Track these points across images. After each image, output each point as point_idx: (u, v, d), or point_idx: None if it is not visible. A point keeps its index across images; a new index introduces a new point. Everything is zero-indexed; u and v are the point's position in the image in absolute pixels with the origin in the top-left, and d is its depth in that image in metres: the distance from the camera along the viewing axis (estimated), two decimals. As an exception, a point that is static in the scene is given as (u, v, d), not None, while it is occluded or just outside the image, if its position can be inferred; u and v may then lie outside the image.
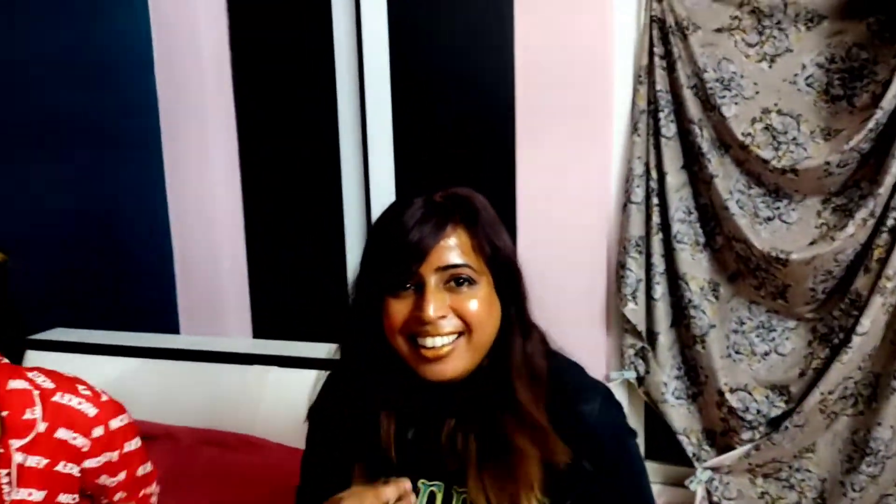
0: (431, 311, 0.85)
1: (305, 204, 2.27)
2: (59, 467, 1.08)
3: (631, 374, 1.96)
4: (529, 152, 1.93)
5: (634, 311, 1.92)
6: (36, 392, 1.08)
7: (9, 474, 1.04)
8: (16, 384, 1.07)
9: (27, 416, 1.06)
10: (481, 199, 0.92)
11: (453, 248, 0.87)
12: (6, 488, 1.05)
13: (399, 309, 0.88)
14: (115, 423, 1.14)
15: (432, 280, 0.86)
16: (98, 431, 1.11)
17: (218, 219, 2.28)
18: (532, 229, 1.98)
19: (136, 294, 2.23)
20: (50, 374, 1.13)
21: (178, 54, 2.10)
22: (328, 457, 1.03)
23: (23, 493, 1.07)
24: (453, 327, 0.87)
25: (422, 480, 0.94)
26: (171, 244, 2.32)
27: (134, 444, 1.18)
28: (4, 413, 1.04)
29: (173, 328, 2.36)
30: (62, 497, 1.11)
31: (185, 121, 2.19)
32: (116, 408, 1.17)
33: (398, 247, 0.87)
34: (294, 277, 2.37)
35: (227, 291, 2.36)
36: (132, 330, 1.86)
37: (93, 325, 1.84)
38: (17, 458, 1.05)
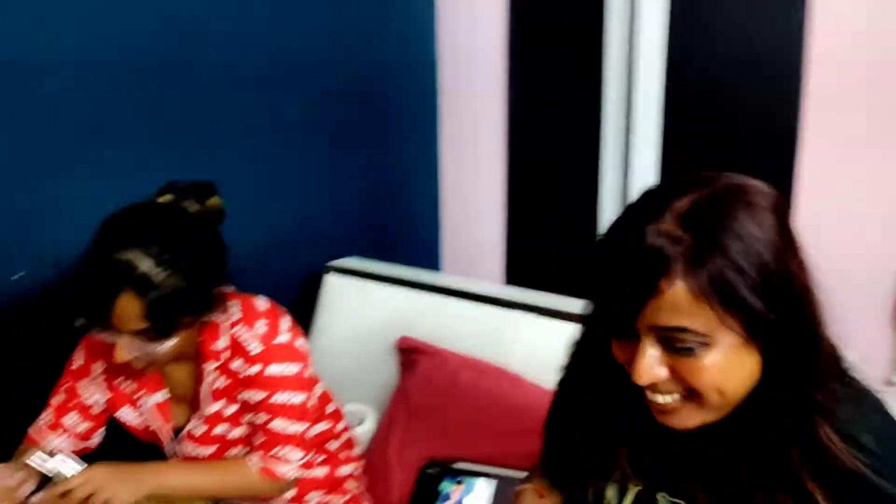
0: (640, 378, 0.71)
1: (565, 171, 2.36)
2: (236, 392, 1.20)
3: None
4: (818, 149, 1.82)
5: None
6: (226, 324, 1.17)
7: (204, 390, 1.19)
8: (213, 317, 1.15)
9: (216, 346, 1.17)
10: (743, 216, 0.67)
11: (669, 305, 0.66)
12: (204, 402, 1.21)
13: (620, 354, 0.75)
14: (275, 369, 1.16)
15: (647, 339, 0.70)
16: (255, 369, 1.16)
17: (482, 171, 2.47)
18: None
19: (409, 234, 2.51)
20: (246, 306, 1.19)
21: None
22: (568, 427, 0.94)
23: (214, 407, 1.21)
24: (675, 390, 0.72)
25: (662, 494, 0.83)
26: (440, 193, 2.57)
27: (287, 396, 1.17)
28: (201, 339, 1.17)
29: (436, 266, 2.64)
30: (242, 417, 1.22)
31: (463, 82, 2.37)
32: (287, 354, 1.18)
33: (614, 288, 0.71)
34: (548, 233, 2.48)
35: (485, 240, 2.56)
36: (404, 264, 2.10)
37: (377, 257, 2.12)
38: (209, 378, 1.20)
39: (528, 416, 1.40)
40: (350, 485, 1.41)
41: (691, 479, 0.80)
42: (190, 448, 1.24)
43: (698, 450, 0.78)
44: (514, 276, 2.55)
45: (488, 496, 1.39)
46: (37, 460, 1.07)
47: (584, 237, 2.30)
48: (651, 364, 0.70)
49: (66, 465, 1.08)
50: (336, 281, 1.97)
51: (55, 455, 1.08)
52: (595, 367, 0.82)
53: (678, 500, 0.81)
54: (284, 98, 1.90)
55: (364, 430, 1.64)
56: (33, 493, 1.05)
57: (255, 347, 1.16)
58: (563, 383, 0.96)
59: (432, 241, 2.62)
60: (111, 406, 1.25)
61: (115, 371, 1.22)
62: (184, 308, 1.05)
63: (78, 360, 1.24)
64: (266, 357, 1.16)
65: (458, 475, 1.44)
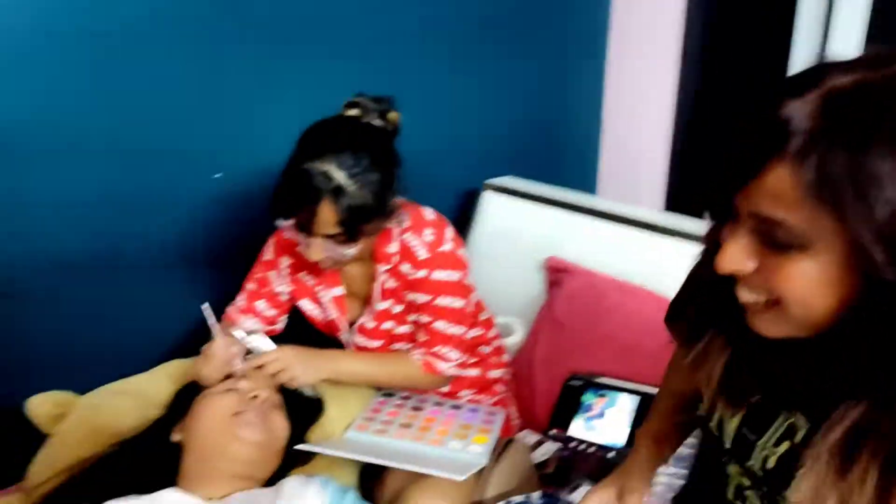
0: (721, 263, 0.64)
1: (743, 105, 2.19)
2: (404, 292, 1.30)
3: None
4: None
5: None
6: (396, 230, 1.27)
7: (375, 288, 1.30)
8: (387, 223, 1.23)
9: (387, 249, 1.27)
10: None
11: (772, 191, 0.57)
12: (375, 300, 1.32)
13: (724, 236, 0.66)
14: (439, 275, 1.26)
15: (744, 225, 0.62)
16: (420, 274, 1.26)
17: (649, 95, 2.37)
18: None
19: (567, 155, 2.49)
20: (414, 214, 1.27)
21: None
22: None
23: (383, 305, 1.32)
24: (760, 291, 0.64)
25: (782, 409, 0.76)
26: (602, 114, 2.50)
27: (448, 301, 1.26)
28: (375, 244, 1.26)
29: (591, 189, 2.60)
30: (407, 316, 1.33)
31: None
32: (450, 262, 1.26)
33: (726, 159, 0.64)
34: (712, 160, 2.34)
35: (646, 165, 2.47)
36: (560, 185, 2.10)
37: (532, 177, 2.14)
38: (381, 278, 1.31)
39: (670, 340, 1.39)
40: (498, 388, 1.51)
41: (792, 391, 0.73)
42: (360, 340, 1.37)
43: (794, 363, 0.69)
44: (676, 203, 2.47)
45: (630, 410, 1.43)
46: (238, 335, 1.25)
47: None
48: (738, 252, 0.62)
49: (261, 343, 1.25)
50: (492, 198, 2.02)
51: (252, 334, 1.25)
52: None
53: (799, 415, 0.74)
54: (458, 13, 1.92)
55: (513, 342, 1.71)
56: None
57: (422, 254, 1.25)
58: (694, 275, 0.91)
59: (590, 163, 2.58)
60: (294, 296, 1.40)
61: (299, 266, 1.36)
62: (370, 217, 1.15)
63: (268, 254, 1.39)
64: (431, 263, 1.25)
65: (600, 388, 1.48)
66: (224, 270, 1.59)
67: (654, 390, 1.41)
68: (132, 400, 1.21)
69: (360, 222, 1.14)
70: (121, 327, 1.47)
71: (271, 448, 1.10)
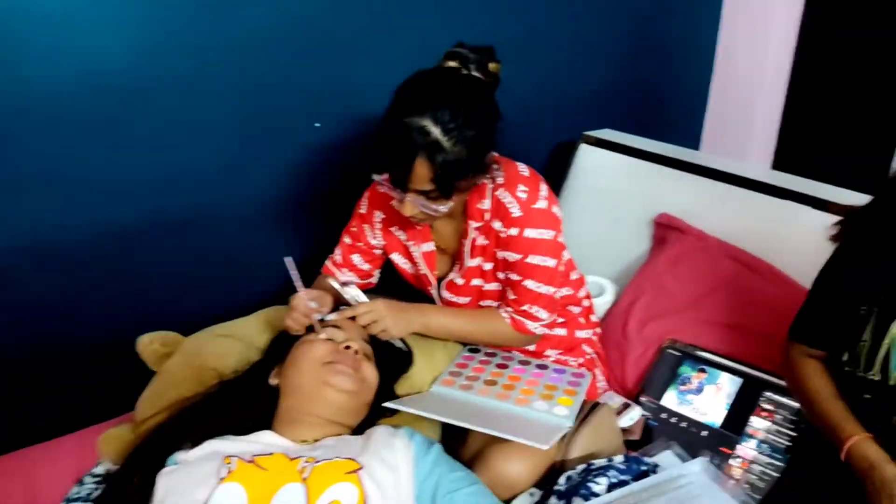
0: None
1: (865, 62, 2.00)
2: (495, 250, 1.26)
3: None
4: None
5: None
6: (490, 186, 1.22)
7: (466, 245, 1.26)
8: (481, 179, 1.20)
9: (480, 205, 1.23)
10: None
11: None
12: (466, 255, 1.29)
13: None
14: (531, 233, 1.20)
15: None
16: (513, 232, 1.21)
17: (767, 44, 2.19)
18: None
19: (670, 109, 2.35)
20: (508, 170, 1.22)
21: None
22: (840, 279, 1.04)
23: (473, 262, 1.29)
24: None
25: None
26: (712, 71, 2.34)
27: (540, 259, 1.22)
28: (467, 199, 1.22)
29: (694, 144, 2.46)
30: (498, 274, 1.29)
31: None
32: (544, 220, 1.21)
33: None
34: (831, 120, 2.17)
35: (755, 122, 2.31)
36: (660, 139, 1.98)
37: (631, 130, 2.03)
38: (472, 235, 1.26)
39: (788, 322, 1.30)
40: (586, 349, 1.47)
41: None
42: (448, 296, 1.36)
43: None
44: (784, 163, 2.31)
45: (731, 392, 1.35)
46: (336, 285, 1.26)
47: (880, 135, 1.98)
48: None
49: (356, 295, 1.26)
50: (588, 151, 1.93)
51: (347, 286, 1.27)
52: None
53: None
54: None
55: (603, 302, 1.66)
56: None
57: (515, 211, 1.21)
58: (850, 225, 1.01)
59: (695, 118, 2.43)
60: (386, 250, 1.40)
61: (392, 221, 1.36)
62: (464, 173, 1.12)
63: (362, 207, 1.39)
64: (524, 221, 1.21)
65: (701, 362, 1.42)
66: (321, 220, 1.61)
67: (759, 374, 1.34)
68: (234, 343, 1.25)
69: (454, 179, 1.11)
70: (223, 274, 1.53)
71: (361, 397, 1.12)
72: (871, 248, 0.99)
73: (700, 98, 2.39)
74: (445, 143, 1.06)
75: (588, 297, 1.52)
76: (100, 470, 1.16)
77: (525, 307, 1.28)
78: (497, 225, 1.24)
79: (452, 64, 1.14)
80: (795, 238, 1.47)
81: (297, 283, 1.21)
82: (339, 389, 1.08)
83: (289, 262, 1.18)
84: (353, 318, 1.22)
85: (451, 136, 1.06)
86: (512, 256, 1.25)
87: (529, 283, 1.25)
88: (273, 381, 1.16)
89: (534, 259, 1.24)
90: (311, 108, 1.53)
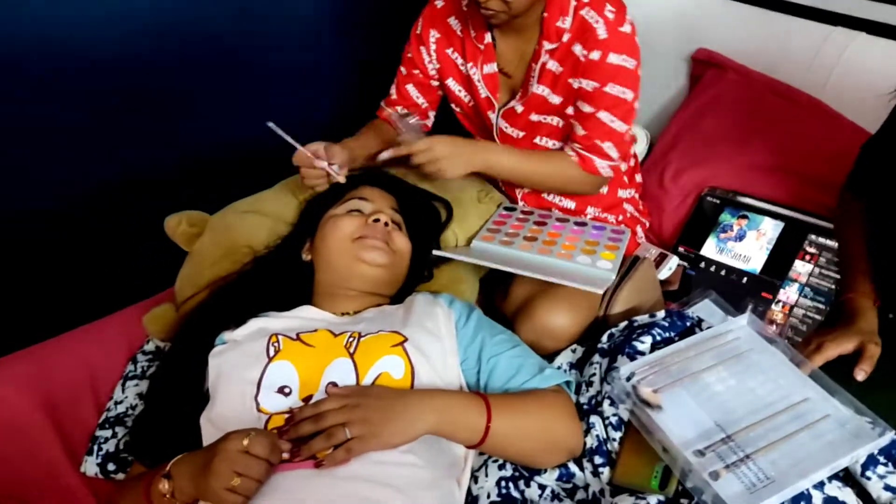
0: None
1: None
2: (570, 78, 1.14)
3: None
4: None
5: None
6: (573, 3, 1.10)
7: (534, 70, 1.15)
8: None
9: (559, 23, 1.11)
10: None
11: None
12: (532, 80, 1.16)
13: None
14: (614, 58, 1.10)
15: None
16: (595, 55, 1.10)
17: None
18: None
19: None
20: None
21: None
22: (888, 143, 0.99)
23: (540, 89, 1.18)
24: None
25: None
26: None
27: (619, 90, 1.13)
28: (545, 15, 1.10)
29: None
30: (567, 109, 1.19)
31: None
32: (628, 46, 1.12)
33: None
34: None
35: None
36: None
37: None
38: (544, 58, 1.15)
39: (835, 160, 1.23)
40: (627, 207, 1.41)
41: None
42: (504, 125, 1.28)
43: None
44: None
45: (772, 237, 1.32)
46: (395, 115, 1.20)
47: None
48: None
49: (414, 129, 1.18)
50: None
51: (407, 117, 1.19)
52: None
53: None
54: None
55: (637, 151, 1.58)
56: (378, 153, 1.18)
57: (601, 32, 1.11)
58: None
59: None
60: (441, 75, 1.31)
61: (449, 41, 1.27)
62: None
63: (419, 28, 1.30)
64: (610, 45, 1.11)
65: (742, 208, 1.37)
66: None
67: (802, 216, 1.30)
68: (261, 218, 1.21)
69: None
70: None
71: (396, 268, 1.10)
72: None
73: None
74: None
75: (635, 155, 1.44)
76: (150, 347, 1.18)
77: (596, 142, 1.19)
78: (578, 48, 1.14)
79: None
80: (849, 69, 1.36)
81: (290, 140, 1.12)
82: (373, 264, 1.05)
83: (272, 126, 1.10)
84: (409, 155, 1.15)
85: None
86: (590, 84, 1.15)
87: (604, 116, 1.17)
88: (306, 256, 1.13)
89: (613, 89, 1.14)
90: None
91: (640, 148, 1.60)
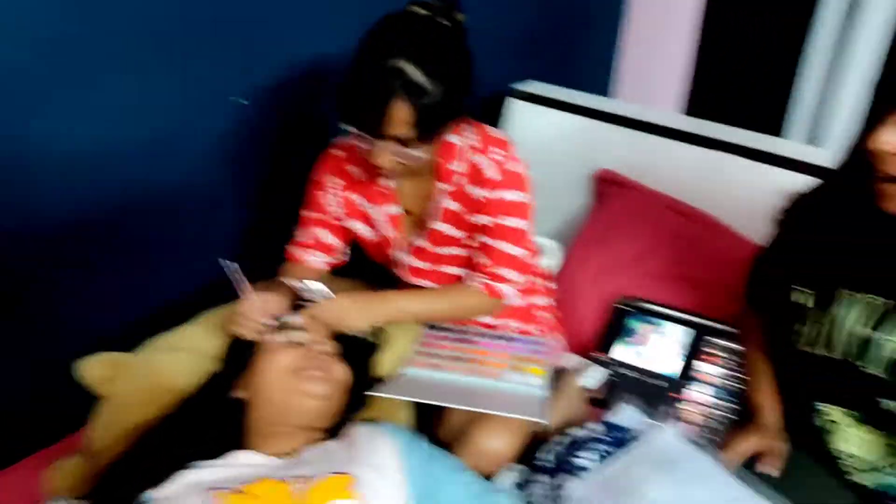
0: (876, 143, 0.83)
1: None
2: (468, 215, 1.23)
3: None
4: None
5: None
6: (462, 148, 1.20)
7: (434, 208, 1.24)
8: (451, 138, 1.19)
9: (452, 166, 1.20)
10: None
11: None
12: (433, 219, 1.25)
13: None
14: (507, 195, 1.20)
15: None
16: (489, 194, 1.20)
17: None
18: None
19: (583, 58, 2.35)
20: (481, 132, 1.22)
21: None
22: (782, 261, 1.12)
23: (442, 226, 1.26)
24: None
25: (872, 295, 0.98)
26: (622, 17, 2.35)
27: (514, 222, 1.22)
28: (438, 160, 1.19)
29: (608, 93, 2.49)
30: (469, 241, 1.27)
31: None
32: (518, 182, 1.21)
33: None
34: (741, 68, 2.26)
35: (666, 68, 2.36)
36: (572, 87, 1.98)
37: (549, 80, 2.01)
38: (441, 198, 1.23)
39: (727, 269, 1.37)
40: (545, 315, 1.48)
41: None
42: (412, 260, 1.32)
43: None
44: (695, 107, 2.40)
45: (680, 341, 1.41)
46: (296, 284, 1.18)
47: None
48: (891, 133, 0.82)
49: (318, 289, 1.18)
50: (518, 106, 1.90)
51: (308, 282, 1.19)
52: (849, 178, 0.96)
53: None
54: None
55: (549, 263, 1.67)
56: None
57: (492, 174, 1.19)
58: (791, 214, 1.10)
59: (607, 66, 2.45)
60: (345, 216, 1.34)
61: (350, 186, 1.30)
62: (445, 115, 1.09)
63: (318, 175, 1.32)
64: (502, 184, 1.20)
65: (650, 315, 1.46)
66: (259, 210, 1.49)
67: (704, 321, 1.41)
68: (184, 356, 1.15)
69: (434, 121, 1.07)
70: (153, 277, 1.40)
71: (337, 398, 1.08)
72: (810, 236, 1.05)
73: (611, 46, 2.40)
74: (425, 83, 1.02)
75: (545, 265, 1.53)
76: (54, 509, 1.05)
77: (498, 270, 1.26)
78: (473, 189, 1.22)
79: (420, 11, 1.09)
80: (733, 189, 1.54)
81: (244, 286, 1.12)
82: (316, 396, 1.02)
83: (227, 265, 1.09)
84: (315, 317, 1.15)
85: (431, 76, 1.03)
86: (488, 220, 1.22)
87: (503, 246, 1.24)
88: (238, 394, 1.08)
89: (508, 221, 1.22)
90: (236, 81, 1.39)
91: (553, 260, 1.68)
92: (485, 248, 1.25)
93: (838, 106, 2.05)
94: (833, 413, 1.08)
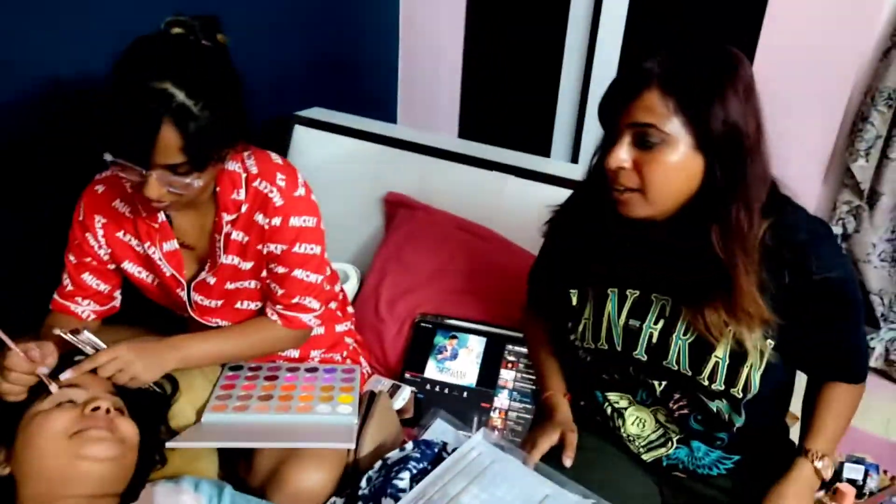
0: (611, 160, 0.96)
1: (527, 34, 2.30)
2: (257, 245, 1.19)
3: (838, 230, 1.96)
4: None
5: (862, 169, 1.87)
6: (243, 175, 1.16)
7: (217, 241, 1.18)
8: (231, 166, 1.14)
9: (234, 196, 1.16)
10: (712, 66, 0.93)
11: (646, 109, 0.92)
12: (219, 252, 1.19)
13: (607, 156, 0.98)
14: (295, 221, 1.17)
15: (626, 134, 0.95)
16: (276, 221, 1.16)
17: (441, 28, 2.37)
18: (772, 58, 1.91)
19: (365, 84, 2.41)
20: (262, 159, 1.18)
21: None
22: (553, 267, 1.24)
23: (229, 259, 1.20)
24: (632, 183, 0.96)
25: (654, 294, 1.10)
26: (398, 44, 2.45)
27: (306, 247, 1.19)
28: (218, 189, 1.15)
29: (391, 118, 2.57)
30: (261, 272, 1.23)
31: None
32: (306, 207, 1.18)
33: (604, 100, 0.98)
34: (504, 92, 2.46)
35: (442, 93, 2.50)
36: (359, 114, 2.03)
37: (333, 106, 2.04)
38: (226, 228, 1.18)
39: (513, 280, 1.48)
40: (348, 340, 1.47)
41: (653, 275, 1.07)
42: (199, 298, 1.23)
43: (655, 250, 1.04)
44: (467, 131, 2.56)
45: (479, 351, 1.49)
46: (66, 336, 1.04)
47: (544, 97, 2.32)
48: (623, 151, 0.95)
49: (91, 341, 1.06)
50: (304, 132, 1.89)
51: (80, 333, 1.05)
52: (585, 204, 1.11)
53: (667, 297, 1.09)
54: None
55: (349, 287, 1.67)
56: (58, 370, 1.01)
57: (277, 200, 1.15)
58: (553, 225, 1.21)
59: (390, 93, 2.53)
60: (115, 260, 1.21)
61: (117, 224, 1.18)
62: (217, 140, 1.01)
63: (80, 214, 1.19)
64: (287, 210, 1.16)
65: (451, 330, 1.52)
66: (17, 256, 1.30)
67: (498, 330, 1.50)
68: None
69: (208, 147, 1.00)
70: None
71: (126, 459, 0.97)
72: (570, 243, 1.16)
73: (392, 73, 2.49)
74: (193, 106, 0.95)
75: (342, 290, 1.52)
76: None
77: (296, 299, 1.22)
78: (258, 217, 1.16)
79: (178, 31, 1.01)
80: (508, 205, 1.66)
81: (5, 340, 0.97)
82: (100, 460, 0.91)
83: None
84: (93, 371, 1.03)
85: (198, 99, 0.95)
86: (278, 247, 1.18)
87: (298, 273, 1.20)
88: (2, 470, 0.92)
89: (300, 248, 1.19)
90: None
91: (351, 284, 1.68)
92: (277, 278, 1.21)
93: (589, 127, 2.33)
94: (614, 399, 1.21)
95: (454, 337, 1.52)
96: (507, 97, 2.47)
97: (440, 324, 1.54)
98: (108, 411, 0.97)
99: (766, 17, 1.90)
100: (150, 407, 1.11)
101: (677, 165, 0.94)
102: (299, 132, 1.88)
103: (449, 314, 1.55)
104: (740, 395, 1.07)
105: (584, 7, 2.18)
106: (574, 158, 2.37)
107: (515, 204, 1.64)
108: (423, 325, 1.54)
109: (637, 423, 1.20)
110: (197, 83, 0.96)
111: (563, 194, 1.23)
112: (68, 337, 1.04)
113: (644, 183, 0.96)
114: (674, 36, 2.07)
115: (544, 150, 2.42)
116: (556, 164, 1.74)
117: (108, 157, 0.98)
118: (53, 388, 0.97)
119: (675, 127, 0.92)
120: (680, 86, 0.91)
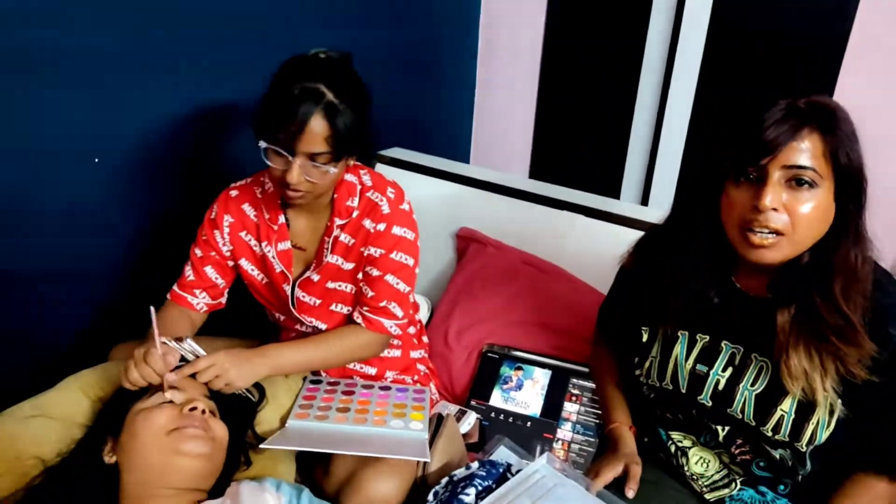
0: (768, 200, 0.94)
1: (601, 78, 2.39)
2: (360, 248, 1.33)
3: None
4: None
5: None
6: (359, 187, 1.33)
7: (326, 243, 1.34)
8: (349, 177, 1.32)
9: (348, 202, 1.32)
10: (843, 112, 0.97)
11: (803, 151, 0.94)
12: (326, 251, 1.35)
13: (738, 197, 0.99)
14: (397, 230, 1.32)
15: (776, 175, 0.95)
16: (381, 227, 1.31)
17: (515, 75, 2.47)
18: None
19: (442, 127, 2.54)
20: (376, 175, 1.36)
21: None
22: (624, 309, 1.26)
23: (333, 259, 1.36)
24: (781, 224, 0.96)
25: (724, 342, 1.12)
26: (474, 91, 2.58)
27: (401, 257, 1.32)
28: (336, 196, 1.32)
29: (465, 158, 2.68)
30: (358, 274, 1.36)
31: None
32: (408, 221, 1.33)
33: (752, 139, 0.96)
34: (576, 137, 2.54)
35: (515, 135, 2.60)
36: (435, 154, 2.15)
37: (412, 147, 2.16)
38: (336, 232, 1.34)
39: (579, 316, 1.52)
40: (420, 367, 1.54)
41: (748, 329, 1.08)
42: (301, 295, 1.37)
43: (753, 303, 1.06)
44: (538, 172, 2.64)
45: (544, 383, 1.53)
46: (171, 343, 1.15)
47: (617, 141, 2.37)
48: (777, 192, 0.95)
49: (193, 349, 1.17)
50: (385, 171, 2.00)
51: (183, 341, 1.17)
52: (693, 229, 1.09)
53: (738, 346, 1.10)
54: None
55: (420, 316, 1.75)
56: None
57: (385, 208, 1.31)
58: (636, 259, 1.23)
59: (464, 134, 2.65)
60: (234, 256, 1.37)
61: (241, 225, 1.35)
62: (355, 138, 1.18)
63: (213, 213, 1.36)
64: (392, 218, 1.31)
65: (517, 361, 1.58)
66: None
67: (564, 364, 1.54)
68: (49, 422, 1.07)
69: (346, 141, 1.16)
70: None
71: (216, 457, 1.06)
72: (647, 278, 1.17)
73: (467, 117, 2.62)
74: (339, 105, 1.13)
75: (420, 320, 1.61)
76: None
77: (383, 303, 1.33)
78: (367, 222, 1.31)
79: (322, 55, 1.20)
80: (576, 243, 1.72)
81: (157, 336, 1.09)
82: (194, 456, 1.00)
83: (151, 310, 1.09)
84: (192, 376, 1.14)
85: (344, 100, 1.14)
86: (377, 251, 1.31)
87: (390, 278, 1.32)
88: (109, 458, 1.03)
89: (397, 255, 1.32)
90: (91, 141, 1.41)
91: (423, 314, 1.76)
92: (370, 280, 1.33)
93: (659, 172, 2.36)
94: (678, 438, 1.23)
95: (520, 368, 1.57)
96: (578, 142, 2.54)
97: (507, 355, 1.59)
98: (203, 412, 1.06)
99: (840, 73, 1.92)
100: (239, 411, 1.20)
101: (824, 208, 0.96)
102: (380, 170, 2.00)
103: (516, 346, 1.60)
104: (804, 449, 1.07)
105: (659, 53, 2.24)
106: (644, 201, 2.41)
107: (583, 242, 1.69)
108: (490, 355, 1.59)
109: (701, 463, 1.21)
110: (343, 88, 1.15)
111: (632, 235, 1.27)
112: (172, 344, 1.15)
113: (793, 224, 0.96)
114: (749, 83, 2.10)
115: (614, 192, 2.47)
116: (626, 205, 1.79)
117: (262, 143, 1.16)
118: (169, 394, 1.07)
119: (826, 171, 0.95)
120: (834, 131, 0.94)
